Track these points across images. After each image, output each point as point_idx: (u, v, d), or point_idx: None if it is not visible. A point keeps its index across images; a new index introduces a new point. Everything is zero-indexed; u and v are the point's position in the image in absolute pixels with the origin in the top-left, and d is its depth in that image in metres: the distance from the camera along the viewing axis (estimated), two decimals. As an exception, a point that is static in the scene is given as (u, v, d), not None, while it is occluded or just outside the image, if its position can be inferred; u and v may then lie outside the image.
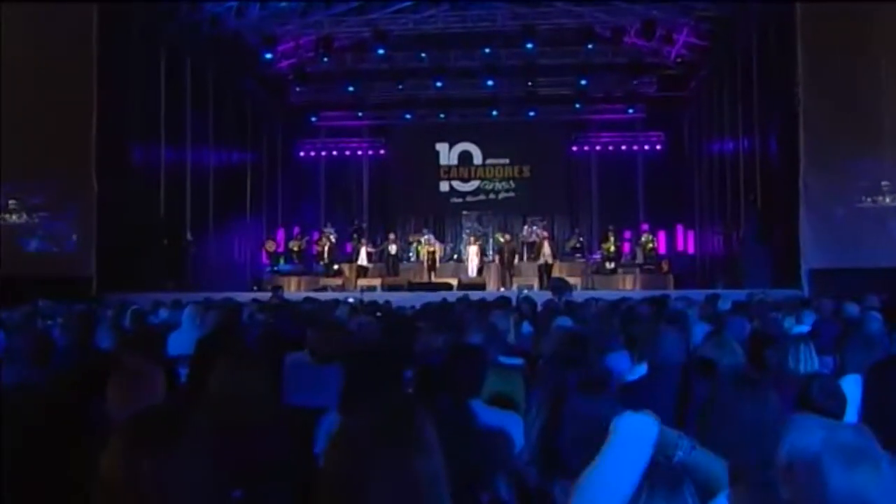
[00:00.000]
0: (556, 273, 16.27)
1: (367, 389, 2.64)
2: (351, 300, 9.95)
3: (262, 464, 2.20)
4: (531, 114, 19.93)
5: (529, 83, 18.88)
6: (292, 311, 8.26)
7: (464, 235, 18.85)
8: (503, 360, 3.94)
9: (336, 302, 9.52)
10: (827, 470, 1.12)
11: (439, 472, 1.22)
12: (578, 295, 11.70)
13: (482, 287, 15.07)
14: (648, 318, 5.14)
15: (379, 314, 7.63)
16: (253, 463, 2.18)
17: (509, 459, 2.16)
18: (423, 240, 17.94)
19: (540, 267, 16.15)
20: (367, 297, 12.45)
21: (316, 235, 18.89)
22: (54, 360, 4.09)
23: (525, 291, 10.38)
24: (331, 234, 18.82)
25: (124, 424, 1.39)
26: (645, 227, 18.39)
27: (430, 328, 4.74)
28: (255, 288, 16.85)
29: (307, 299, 9.44)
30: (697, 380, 2.27)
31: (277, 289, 12.43)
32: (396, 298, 11.38)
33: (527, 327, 6.16)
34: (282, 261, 18.64)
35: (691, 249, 18.92)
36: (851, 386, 2.22)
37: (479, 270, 16.61)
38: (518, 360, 3.93)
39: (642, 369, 3.29)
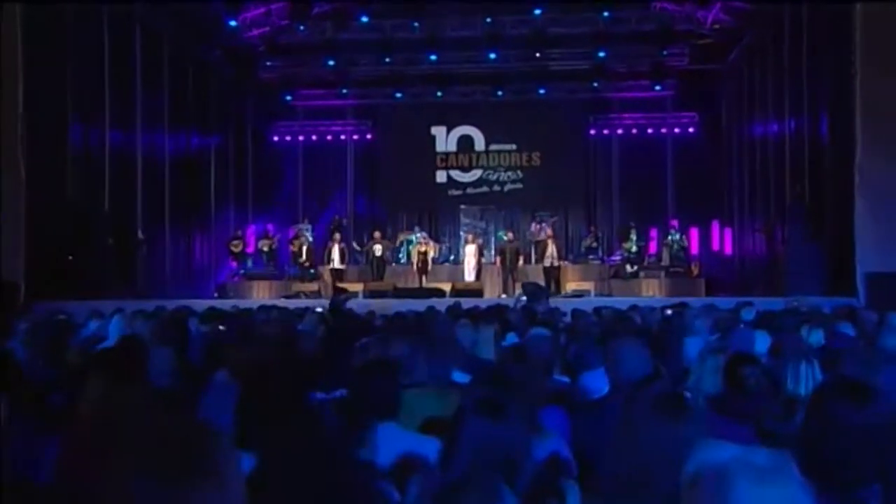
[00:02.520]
0: (567, 278, 16.16)
1: (260, 413, 2.64)
2: (319, 309, 9.92)
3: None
4: (541, 92, 19.84)
5: (538, 55, 18.74)
6: (246, 322, 8.26)
7: (461, 233, 18.70)
8: (459, 377, 3.95)
9: (303, 311, 9.56)
10: (734, 485, 1.21)
11: None
12: (588, 302, 11.70)
13: (479, 293, 15.00)
14: (634, 329, 5.00)
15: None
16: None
17: (408, 490, 2.21)
18: (414, 238, 17.80)
19: (545, 270, 16.05)
20: (346, 304, 12.44)
21: (291, 233, 18.81)
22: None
23: (524, 298, 10.22)
24: (307, 231, 18.75)
25: None
26: (674, 223, 18.24)
27: (379, 341, 4.73)
28: (215, 295, 16.77)
29: (261, 308, 9.31)
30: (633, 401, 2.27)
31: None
32: (379, 306, 11.31)
33: (513, 339, 6.11)
34: (249, 263, 18.58)
35: (728, 250, 18.80)
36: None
37: (478, 274, 16.48)
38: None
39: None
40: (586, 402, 3.32)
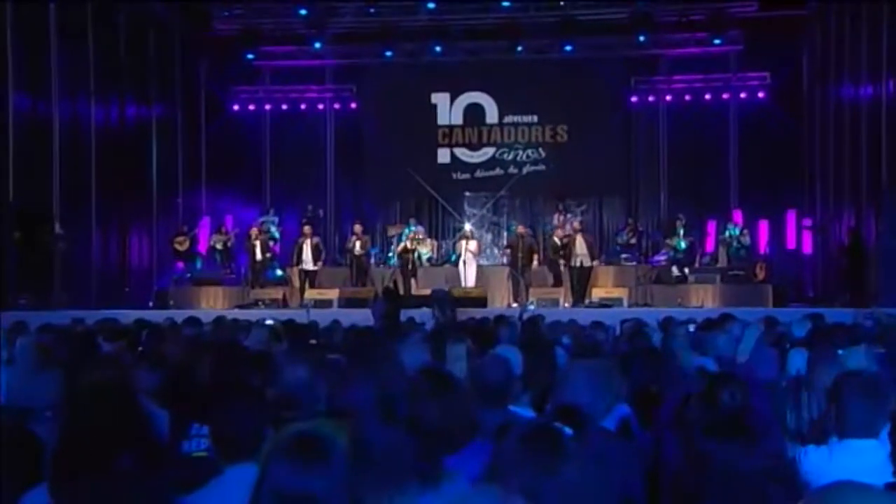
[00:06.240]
0: (596, 282, 15.99)
1: (77, 452, 2.78)
2: (270, 322, 9.99)
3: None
4: (568, 48, 19.66)
5: (562, 2, 18.64)
6: (158, 339, 8.28)
7: (465, 225, 18.60)
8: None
9: (249, 324, 9.67)
10: None
11: None
12: (618, 314, 11.46)
13: (482, 301, 14.97)
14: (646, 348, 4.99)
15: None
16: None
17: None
18: (407, 233, 17.70)
19: (570, 272, 15.94)
20: (316, 315, 12.49)
21: (254, 227, 18.73)
22: None
23: (531, 307, 10.10)
24: (272, 224, 18.71)
25: None
26: (738, 214, 18.11)
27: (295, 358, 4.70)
28: (150, 304, 16.76)
29: (189, 320, 9.22)
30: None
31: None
32: (357, 317, 11.40)
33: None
34: (199, 264, 18.61)
35: (807, 248, 18.65)
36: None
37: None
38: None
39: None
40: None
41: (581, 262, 16.13)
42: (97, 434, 2.67)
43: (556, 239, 17.04)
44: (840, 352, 4.20)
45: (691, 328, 6.65)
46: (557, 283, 16.46)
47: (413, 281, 16.65)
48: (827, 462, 2.78)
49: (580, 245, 16.15)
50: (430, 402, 3.09)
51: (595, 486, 1.83)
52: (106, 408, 2.79)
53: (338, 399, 3.70)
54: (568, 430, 2.23)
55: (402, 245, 17.34)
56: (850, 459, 2.36)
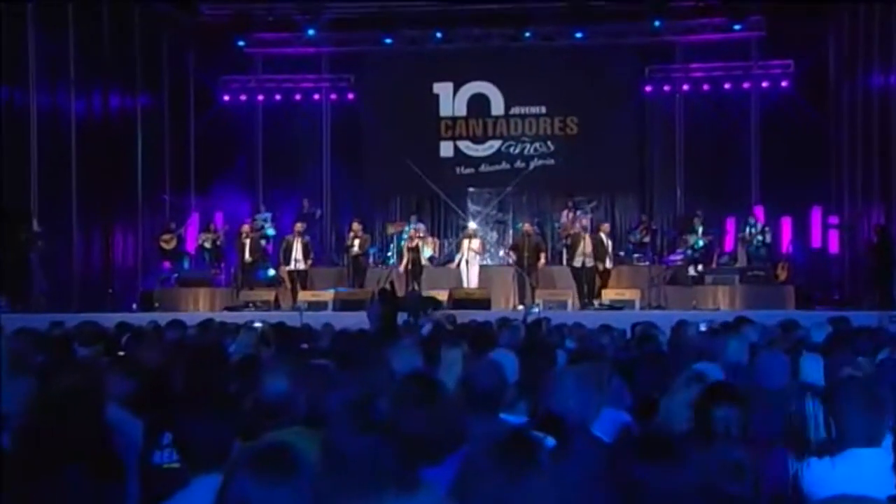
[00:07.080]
0: (610, 283, 16.06)
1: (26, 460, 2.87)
2: (258, 325, 10.11)
3: None
4: (579, 35, 19.68)
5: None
6: (148, 341, 8.29)
7: (469, 223, 18.61)
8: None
9: (238, 328, 9.75)
10: None
11: None
12: (627, 317, 11.46)
13: (486, 304, 14.98)
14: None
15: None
16: None
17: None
18: (407, 231, 17.72)
19: (576, 272, 15.84)
20: (309, 317, 12.62)
21: (246, 225, 18.75)
22: None
23: (536, 310, 10.12)
24: (266, 222, 18.74)
25: None
26: (759, 211, 18.03)
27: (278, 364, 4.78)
28: (134, 306, 16.77)
29: (172, 323, 9.20)
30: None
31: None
32: (353, 321, 11.50)
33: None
34: (186, 264, 18.63)
35: (833, 247, 18.58)
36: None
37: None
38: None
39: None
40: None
41: (584, 263, 16.11)
42: (48, 442, 2.66)
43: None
44: (860, 358, 4.15)
45: (703, 327, 6.61)
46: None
47: (415, 283, 16.61)
48: (829, 473, 2.79)
49: (587, 244, 16.17)
50: (414, 410, 3.08)
51: (576, 497, 1.82)
52: (61, 416, 2.79)
53: (320, 406, 3.69)
54: (550, 441, 2.22)
55: (404, 244, 17.34)
56: (853, 470, 2.34)
